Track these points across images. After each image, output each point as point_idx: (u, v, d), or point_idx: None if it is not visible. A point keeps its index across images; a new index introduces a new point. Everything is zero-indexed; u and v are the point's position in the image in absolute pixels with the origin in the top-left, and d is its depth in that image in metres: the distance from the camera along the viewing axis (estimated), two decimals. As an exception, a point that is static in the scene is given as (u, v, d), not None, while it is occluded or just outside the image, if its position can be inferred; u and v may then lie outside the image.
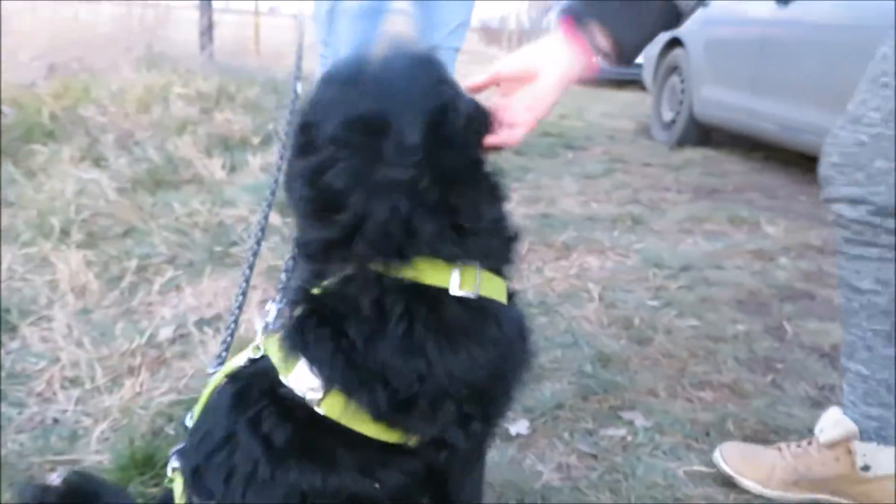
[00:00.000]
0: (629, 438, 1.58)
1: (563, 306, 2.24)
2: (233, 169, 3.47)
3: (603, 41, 0.95)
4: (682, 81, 5.48)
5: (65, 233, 2.49)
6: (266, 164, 3.57)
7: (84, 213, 2.64)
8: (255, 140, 3.87)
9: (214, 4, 5.73)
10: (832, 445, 1.38)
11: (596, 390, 1.76)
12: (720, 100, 4.86)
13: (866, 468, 1.36)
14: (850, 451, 1.37)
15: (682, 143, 5.38)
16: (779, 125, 4.20)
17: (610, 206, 3.50)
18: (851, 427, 1.36)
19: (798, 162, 4.41)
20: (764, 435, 1.59)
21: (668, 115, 5.78)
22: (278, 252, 2.48)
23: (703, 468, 1.48)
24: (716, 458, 1.49)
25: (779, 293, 2.43)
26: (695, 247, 2.93)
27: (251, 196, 3.03)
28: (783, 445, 1.47)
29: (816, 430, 1.42)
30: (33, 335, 1.93)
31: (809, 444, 1.43)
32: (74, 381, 1.74)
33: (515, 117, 0.95)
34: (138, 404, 1.61)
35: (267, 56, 7.20)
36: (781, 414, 1.69)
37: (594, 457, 1.52)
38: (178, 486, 0.90)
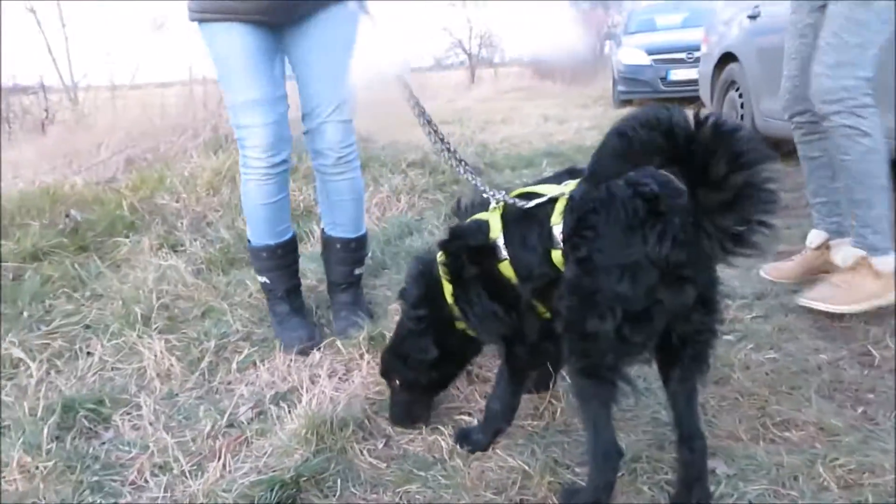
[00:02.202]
0: (712, 488, 1.52)
1: (633, 349, 2.20)
2: (299, 239, 3.58)
3: None
4: (741, 96, 5.36)
5: (147, 319, 2.64)
6: (330, 231, 3.68)
7: (165, 299, 2.79)
8: (318, 208, 4.00)
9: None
10: (818, 247, 2.61)
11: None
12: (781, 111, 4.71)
13: (833, 252, 2.53)
14: (828, 247, 2.59)
15: (748, 158, 5.23)
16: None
17: (676, 236, 3.42)
18: (825, 235, 2.59)
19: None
20: (857, 476, 1.50)
21: (730, 132, 5.63)
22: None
23: (793, 517, 1.41)
24: (764, 275, 2.71)
25: (863, 315, 2.30)
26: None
27: (318, 265, 3.12)
28: (794, 258, 2.68)
29: (808, 243, 2.65)
30: (125, 424, 2.03)
31: (803, 252, 2.66)
32: (163, 468, 1.82)
33: None
34: (221, 487, 1.67)
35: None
36: (875, 450, 1.59)
37: (676, 511, 1.47)
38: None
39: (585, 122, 8.89)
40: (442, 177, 4.51)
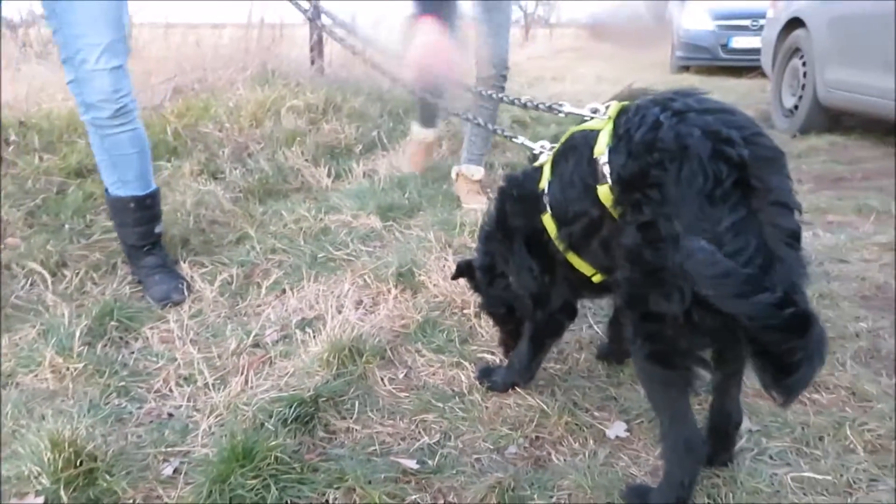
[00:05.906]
0: (732, 442, 1.49)
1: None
2: (338, 176, 3.59)
3: None
4: (805, 64, 5.13)
5: (185, 241, 2.68)
6: (369, 171, 3.68)
7: (202, 223, 2.82)
8: (359, 148, 4.00)
9: (325, 19, 5.97)
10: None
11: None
12: (849, 81, 4.49)
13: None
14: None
15: (805, 130, 5.03)
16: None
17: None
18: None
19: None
20: (886, 441, 1.45)
21: (789, 101, 5.42)
22: (374, 256, 2.54)
23: (813, 475, 1.37)
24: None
25: (911, 288, 2.21)
26: (815, 239, 2.72)
27: (354, 201, 3.12)
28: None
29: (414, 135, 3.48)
30: (154, 336, 2.08)
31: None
32: (188, 379, 1.85)
33: None
34: (242, 401, 1.69)
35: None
36: (909, 419, 1.53)
37: (692, 461, 1.44)
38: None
39: (639, 85, 8.63)
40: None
